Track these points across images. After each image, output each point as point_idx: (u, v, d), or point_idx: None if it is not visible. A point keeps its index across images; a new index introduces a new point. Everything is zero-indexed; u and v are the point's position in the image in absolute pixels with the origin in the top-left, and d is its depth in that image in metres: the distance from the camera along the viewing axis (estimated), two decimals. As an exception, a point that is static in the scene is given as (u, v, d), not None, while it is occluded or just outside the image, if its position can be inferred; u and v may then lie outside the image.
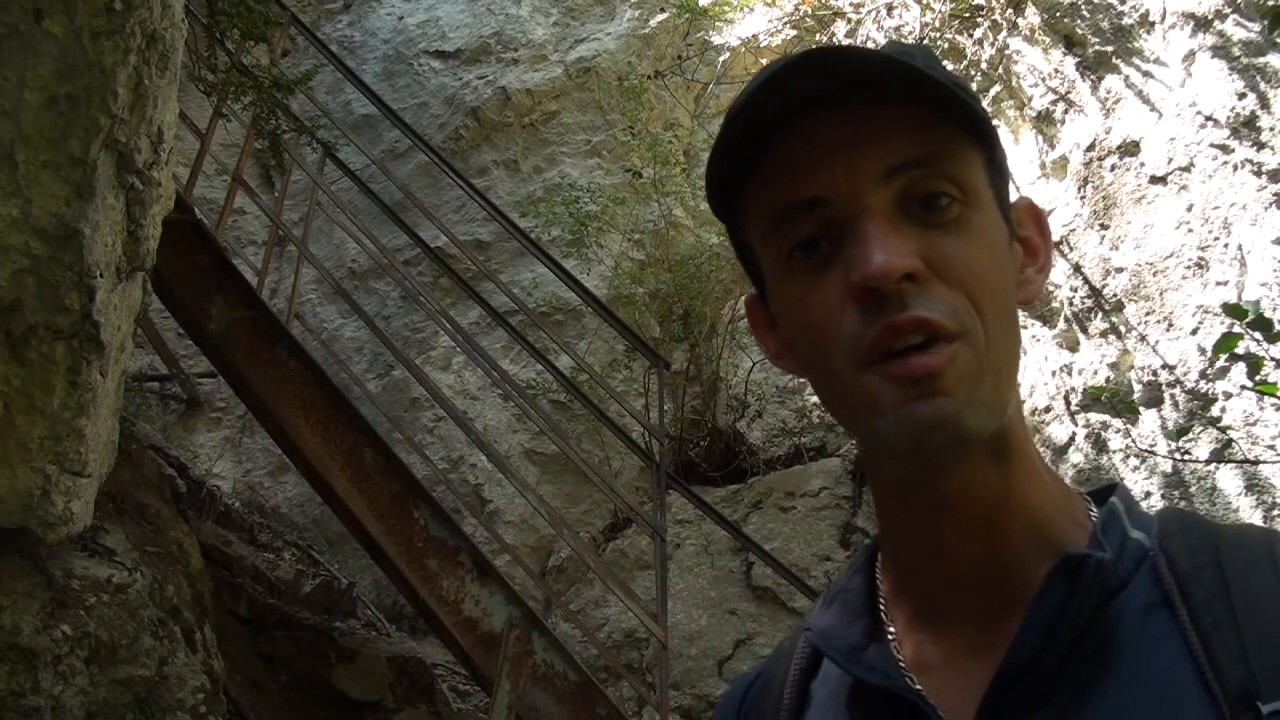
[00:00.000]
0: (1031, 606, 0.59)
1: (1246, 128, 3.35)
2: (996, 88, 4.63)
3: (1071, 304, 3.89)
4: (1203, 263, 3.33)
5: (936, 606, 0.66)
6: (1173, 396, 3.32)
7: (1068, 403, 3.82)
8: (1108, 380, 3.59)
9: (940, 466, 0.62)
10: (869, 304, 0.59)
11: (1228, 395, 3.11)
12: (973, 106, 0.62)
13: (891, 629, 0.68)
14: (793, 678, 0.72)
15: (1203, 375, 3.22)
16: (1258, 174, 3.26)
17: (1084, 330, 3.83)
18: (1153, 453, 3.31)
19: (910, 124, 0.61)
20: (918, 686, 0.63)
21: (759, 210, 0.66)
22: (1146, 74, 3.88)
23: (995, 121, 4.61)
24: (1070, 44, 4.27)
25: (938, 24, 4.80)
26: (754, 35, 6.18)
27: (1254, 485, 2.99)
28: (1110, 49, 4.05)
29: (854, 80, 0.61)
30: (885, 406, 0.59)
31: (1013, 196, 0.70)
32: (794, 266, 0.64)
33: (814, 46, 0.62)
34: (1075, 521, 0.65)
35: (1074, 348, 3.90)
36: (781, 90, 0.61)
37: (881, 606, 0.70)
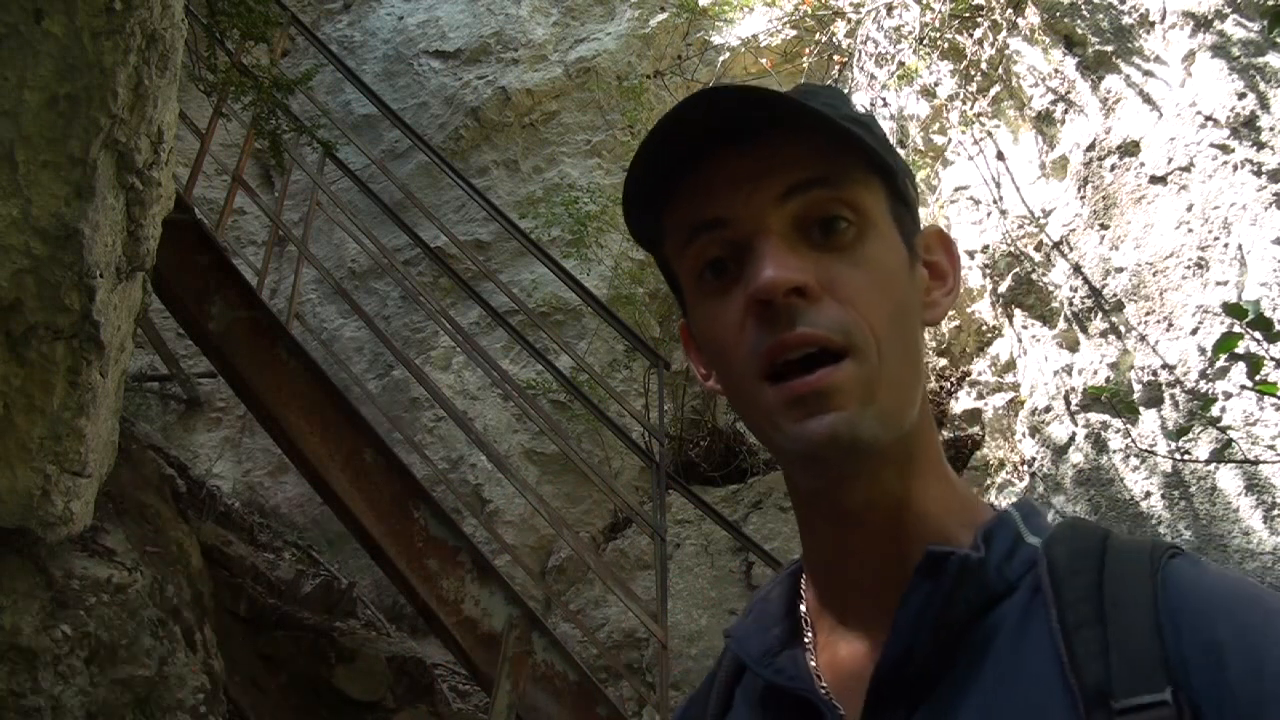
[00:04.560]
0: (900, 605, 0.61)
1: (1246, 128, 3.35)
2: (996, 88, 4.63)
3: (1071, 304, 3.89)
4: (1203, 263, 3.33)
5: (848, 611, 0.69)
6: (1173, 396, 3.32)
7: (1068, 403, 3.81)
8: (1108, 380, 3.59)
9: (843, 478, 0.64)
10: (764, 317, 0.63)
11: (1228, 395, 3.10)
12: (864, 140, 0.66)
13: (809, 636, 0.71)
14: (720, 684, 0.75)
15: (1203, 375, 3.21)
16: (1258, 174, 3.26)
17: (1084, 330, 3.83)
18: (1153, 453, 3.30)
19: (809, 153, 0.65)
20: (823, 687, 0.65)
21: (673, 233, 0.70)
22: (1146, 74, 3.88)
23: (995, 121, 4.61)
24: (1070, 44, 4.27)
25: (938, 24, 4.80)
26: (754, 35, 6.18)
27: (1254, 485, 2.99)
28: (1110, 49, 4.05)
29: (758, 118, 0.65)
30: (781, 423, 0.63)
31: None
32: (705, 288, 0.68)
33: (719, 85, 0.65)
34: (976, 530, 0.67)
35: (1074, 348, 3.90)
36: (694, 125, 0.65)
37: (804, 614, 0.72)
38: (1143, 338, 3.47)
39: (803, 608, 0.73)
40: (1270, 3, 3.02)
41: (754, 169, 0.66)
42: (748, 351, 0.64)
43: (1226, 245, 3.27)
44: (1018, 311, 4.29)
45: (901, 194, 0.70)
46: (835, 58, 5.64)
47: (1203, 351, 3.22)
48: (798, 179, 0.65)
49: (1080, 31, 4.21)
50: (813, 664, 0.68)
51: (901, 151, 4.59)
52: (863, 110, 0.71)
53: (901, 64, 4.96)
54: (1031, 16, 4.41)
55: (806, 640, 0.70)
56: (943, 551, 0.61)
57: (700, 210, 0.67)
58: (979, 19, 4.70)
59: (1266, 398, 2.81)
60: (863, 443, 0.62)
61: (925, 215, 4.63)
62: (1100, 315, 3.73)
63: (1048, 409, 3.94)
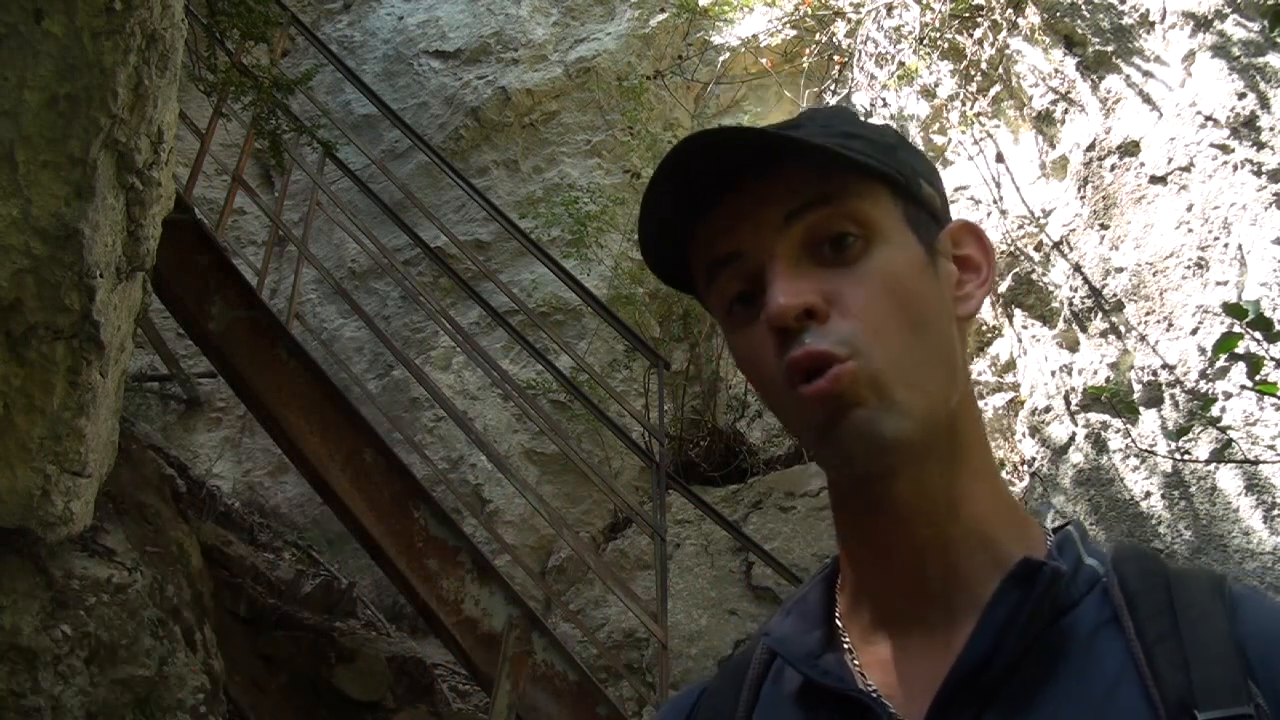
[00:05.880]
0: (987, 609, 0.62)
1: (1246, 128, 3.35)
2: (996, 88, 4.63)
3: (1071, 304, 3.89)
4: (1203, 263, 3.33)
5: (889, 615, 0.69)
6: (1173, 396, 3.32)
7: (1068, 403, 3.81)
8: (1108, 380, 3.59)
9: (887, 475, 0.66)
10: (781, 340, 0.66)
11: (1228, 395, 3.10)
12: (856, 156, 0.67)
13: (846, 639, 0.71)
14: (749, 682, 0.75)
15: (1203, 375, 3.21)
16: (1258, 174, 3.26)
17: (1084, 330, 3.83)
18: (1153, 453, 3.30)
19: (809, 176, 0.68)
20: (870, 686, 0.66)
21: (698, 277, 0.73)
22: (1146, 74, 3.88)
23: (995, 121, 4.61)
24: (1070, 44, 4.27)
25: (938, 24, 4.80)
26: (754, 35, 6.18)
27: (1254, 485, 2.99)
28: (1110, 49, 4.05)
29: (760, 150, 0.68)
30: (811, 428, 0.66)
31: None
32: (735, 320, 0.71)
33: (706, 130, 0.67)
34: (1027, 541, 0.68)
35: (1074, 348, 3.90)
36: (694, 168, 0.68)
37: (838, 618, 0.73)
38: (1143, 338, 3.47)
39: (837, 612, 0.74)
40: (1270, 3, 3.02)
41: (757, 200, 0.68)
42: (773, 371, 0.67)
43: (1226, 245, 3.27)
44: (1018, 311, 4.29)
45: (914, 194, 0.71)
46: (835, 58, 5.64)
47: (1203, 351, 3.22)
48: (794, 204, 0.67)
49: (1080, 31, 4.21)
50: (855, 666, 0.68)
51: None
52: (870, 121, 0.74)
53: (901, 64, 4.96)
54: (1031, 16, 4.40)
55: (845, 644, 0.71)
56: (1037, 562, 0.62)
57: (713, 249, 0.70)
58: (979, 19, 4.70)
59: (1266, 398, 2.81)
60: (887, 439, 0.63)
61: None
62: (1100, 315, 3.73)
63: (1047, 409, 3.94)
